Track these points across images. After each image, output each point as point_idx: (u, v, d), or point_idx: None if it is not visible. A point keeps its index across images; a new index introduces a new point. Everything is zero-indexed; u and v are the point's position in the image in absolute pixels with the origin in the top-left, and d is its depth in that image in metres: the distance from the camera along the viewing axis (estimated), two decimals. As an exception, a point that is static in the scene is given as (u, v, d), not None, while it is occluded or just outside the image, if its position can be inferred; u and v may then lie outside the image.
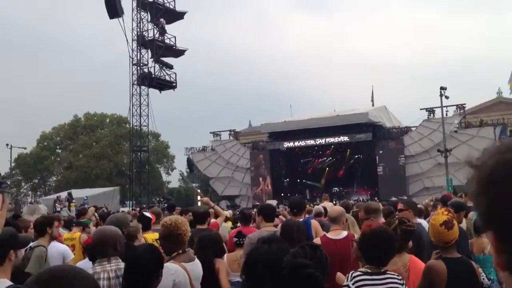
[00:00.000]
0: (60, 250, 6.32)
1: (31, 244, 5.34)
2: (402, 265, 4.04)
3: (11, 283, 3.00)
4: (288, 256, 2.49)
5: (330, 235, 5.16)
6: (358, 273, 3.50)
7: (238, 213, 12.26)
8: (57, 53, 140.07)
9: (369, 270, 3.49)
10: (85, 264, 4.78)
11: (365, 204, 7.14)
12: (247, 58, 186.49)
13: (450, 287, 3.61)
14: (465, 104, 42.66)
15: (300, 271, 2.39)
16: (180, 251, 4.07)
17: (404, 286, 3.50)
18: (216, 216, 8.07)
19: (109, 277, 3.54)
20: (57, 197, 33.60)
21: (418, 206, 9.08)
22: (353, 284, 3.44)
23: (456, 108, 41.42)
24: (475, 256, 5.79)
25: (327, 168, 48.12)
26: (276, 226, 5.89)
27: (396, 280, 3.48)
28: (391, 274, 3.51)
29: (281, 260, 2.48)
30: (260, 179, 47.37)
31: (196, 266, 4.19)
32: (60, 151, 71.30)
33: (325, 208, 8.49)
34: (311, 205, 19.56)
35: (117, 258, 3.70)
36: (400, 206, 6.45)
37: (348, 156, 46.52)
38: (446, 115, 37.03)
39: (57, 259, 6.08)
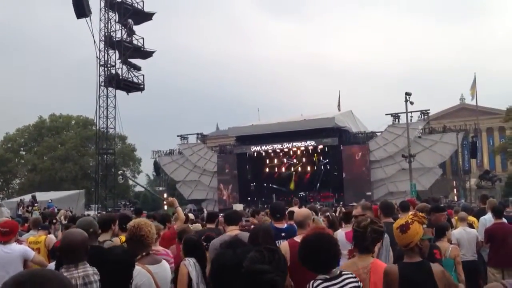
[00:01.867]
0: (19, 251, 6.17)
1: (100, 238, 5.57)
2: (363, 267, 4.07)
3: None
4: (246, 261, 2.44)
5: (297, 238, 5.09)
6: (319, 281, 3.44)
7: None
8: (22, 52, 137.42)
9: (327, 276, 3.45)
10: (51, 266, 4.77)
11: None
12: (215, 61, 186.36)
13: None
14: (429, 110, 43.51)
15: (260, 277, 2.35)
16: (144, 254, 4.08)
17: (359, 283, 3.51)
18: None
19: (77, 284, 3.42)
20: (21, 200, 32.96)
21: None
22: None
23: (420, 114, 42.13)
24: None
25: (294, 173, 48.43)
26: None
27: (352, 280, 3.49)
28: (346, 274, 3.51)
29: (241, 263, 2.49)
30: (222, 185, 47.29)
31: (162, 269, 4.19)
32: (24, 153, 69.89)
33: (292, 212, 8.60)
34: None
35: (84, 264, 3.58)
36: (357, 211, 6.54)
37: (314, 160, 46.89)
38: (411, 120, 37.67)
39: (17, 261, 6.01)
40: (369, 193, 39.54)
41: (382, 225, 4.36)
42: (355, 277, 3.53)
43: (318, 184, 45.95)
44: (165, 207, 42.20)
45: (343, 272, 3.53)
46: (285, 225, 6.37)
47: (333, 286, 3.43)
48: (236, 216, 6.33)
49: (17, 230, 6.45)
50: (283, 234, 6.01)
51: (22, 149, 70.07)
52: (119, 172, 42.06)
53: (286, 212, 7.29)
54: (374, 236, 4.19)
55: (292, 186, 47.76)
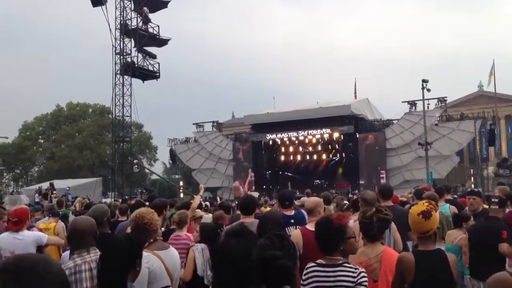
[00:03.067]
0: (31, 237, 6.22)
1: None
2: (374, 256, 4.07)
3: None
4: (256, 248, 2.47)
5: (309, 226, 5.10)
6: (312, 264, 3.49)
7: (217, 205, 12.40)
8: (40, 42, 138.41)
9: (323, 262, 3.46)
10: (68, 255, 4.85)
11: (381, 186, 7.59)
12: (231, 50, 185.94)
13: (418, 279, 3.60)
14: (446, 97, 43.02)
15: (271, 263, 2.37)
16: (151, 240, 4.12)
17: (357, 278, 3.38)
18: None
19: (91, 268, 3.51)
20: (39, 187, 33.35)
21: (400, 198, 9.28)
22: (305, 275, 3.46)
23: (438, 101, 41.68)
24: (445, 245, 5.93)
25: (310, 161, 48.37)
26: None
27: (349, 274, 3.40)
28: (347, 267, 3.45)
29: (249, 253, 2.49)
30: (242, 174, 47.34)
31: (170, 254, 4.22)
32: (42, 141, 70.63)
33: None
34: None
35: (95, 248, 3.67)
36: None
37: (330, 148, 46.76)
38: (428, 108, 37.27)
39: (30, 247, 6.08)
40: (375, 181, 39.26)
41: (389, 213, 4.31)
42: (354, 272, 3.42)
43: (334, 172, 45.84)
44: (181, 195, 42.57)
45: (345, 264, 3.48)
46: (293, 212, 6.44)
47: (323, 273, 3.42)
48: (252, 204, 6.23)
49: (28, 217, 6.50)
50: (292, 221, 6.09)
51: (40, 137, 70.82)
52: (134, 161, 42.23)
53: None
54: (381, 225, 4.18)
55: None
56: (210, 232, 5.91)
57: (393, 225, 5.22)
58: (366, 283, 3.42)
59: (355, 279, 3.38)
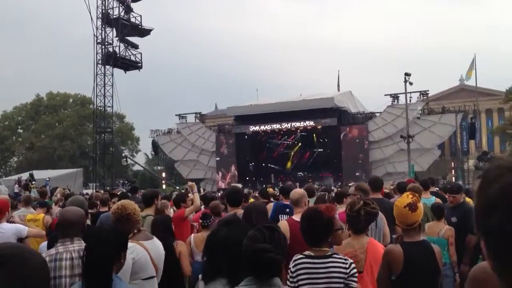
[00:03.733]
0: (11, 229, 6.02)
1: (142, 213, 5.88)
2: (359, 247, 4.06)
3: None
4: (246, 240, 2.49)
5: (295, 217, 5.15)
6: (300, 256, 3.44)
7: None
8: (20, 30, 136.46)
9: (312, 253, 3.43)
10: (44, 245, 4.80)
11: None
12: (214, 40, 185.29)
13: (406, 271, 3.63)
14: (428, 90, 43.44)
15: (260, 255, 2.40)
16: (135, 231, 4.11)
17: (349, 269, 3.36)
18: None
19: (72, 257, 3.52)
20: (18, 178, 32.95)
21: (385, 190, 9.29)
22: (293, 267, 3.40)
23: (420, 95, 42.07)
24: (429, 238, 5.95)
25: (293, 153, 48.50)
26: None
27: (340, 265, 3.37)
28: (337, 258, 3.42)
29: (240, 242, 2.50)
30: (227, 162, 47.37)
31: (155, 245, 4.25)
32: (21, 131, 69.89)
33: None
34: (275, 189, 19.77)
35: (79, 239, 3.69)
36: (350, 190, 6.59)
37: (313, 140, 46.91)
38: (410, 101, 37.59)
39: (11, 240, 5.94)
40: (358, 174, 39.56)
41: (376, 207, 4.30)
42: (345, 263, 3.39)
43: (317, 165, 46.01)
44: (164, 186, 42.43)
45: (335, 255, 3.46)
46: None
47: (313, 264, 3.38)
48: (238, 196, 6.22)
49: (8, 209, 6.36)
50: (287, 209, 6.25)
51: (19, 127, 70.13)
52: (123, 155, 42.23)
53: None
54: (368, 218, 4.18)
55: (289, 165, 47.91)
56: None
57: (383, 218, 5.25)
58: (356, 275, 3.40)
59: (347, 270, 3.35)
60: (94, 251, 3.13)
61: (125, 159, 42.67)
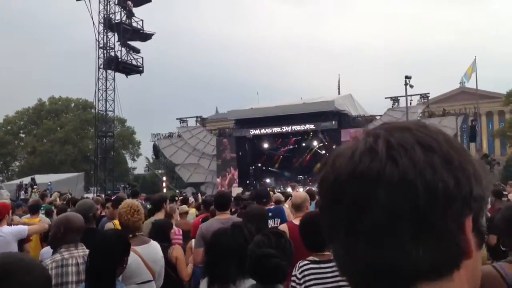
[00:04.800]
0: (11, 232, 6.02)
1: (152, 218, 6.22)
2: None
3: None
4: (252, 245, 2.48)
5: (296, 221, 5.11)
6: (306, 262, 3.45)
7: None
8: (22, 36, 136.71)
9: (316, 259, 3.44)
10: (49, 251, 4.83)
11: None
12: (215, 44, 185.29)
13: None
14: (428, 93, 43.40)
15: (265, 261, 2.38)
16: (131, 236, 4.10)
17: None
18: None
19: (77, 263, 3.53)
20: (20, 182, 33.02)
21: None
22: (300, 273, 3.39)
23: (420, 98, 42.04)
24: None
25: (293, 156, 48.53)
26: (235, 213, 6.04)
27: None
28: None
29: (241, 246, 2.52)
30: (228, 166, 47.37)
31: (150, 249, 4.21)
32: (23, 135, 69.83)
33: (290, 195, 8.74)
34: (278, 191, 19.82)
35: (82, 245, 3.72)
36: None
37: (314, 144, 46.93)
38: (410, 104, 37.52)
39: (11, 243, 5.98)
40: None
41: None
42: None
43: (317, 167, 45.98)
44: (164, 190, 42.43)
45: None
46: (272, 206, 6.58)
47: (320, 269, 3.40)
48: (226, 200, 6.26)
49: (8, 212, 6.39)
50: (270, 214, 6.29)
51: (21, 131, 70.01)
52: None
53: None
54: None
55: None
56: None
57: None
58: None
59: None
60: (99, 256, 3.17)
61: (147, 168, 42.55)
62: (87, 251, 3.64)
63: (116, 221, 6.44)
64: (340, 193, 0.74)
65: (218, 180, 47.08)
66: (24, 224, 7.20)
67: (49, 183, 31.91)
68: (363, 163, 0.72)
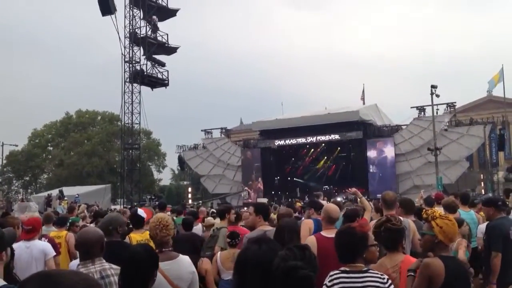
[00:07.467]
0: (40, 248, 6.17)
1: (216, 226, 6.72)
2: (392, 266, 4.02)
3: (4, 282, 3.04)
4: (277, 259, 2.48)
5: (324, 233, 5.06)
6: (336, 271, 3.49)
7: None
8: (49, 51, 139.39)
9: (347, 269, 3.48)
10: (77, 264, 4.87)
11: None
12: (239, 56, 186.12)
13: (447, 284, 3.56)
14: (455, 102, 42.88)
15: (294, 273, 2.40)
16: (157, 251, 3.98)
17: (387, 285, 3.41)
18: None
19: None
20: (48, 194, 33.52)
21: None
22: (329, 282, 3.43)
23: (447, 107, 41.58)
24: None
25: (318, 167, 48.28)
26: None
27: (377, 279, 3.43)
28: (373, 273, 3.48)
29: (270, 261, 2.51)
30: (253, 177, 47.34)
31: (175, 265, 4.06)
32: (51, 148, 70.98)
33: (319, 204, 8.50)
34: (302, 202, 19.74)
35: (100, 259, 3.74)
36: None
37: (339, 154, 46.67)
38: (437, 113, 37.14)
39: (39, 257, 6.06)
40: (385, 187, 39.04)
41: (397, 223, 4.20)
42: (382, 279, 3.45)
43: (342, 178, 45.67)
44: (190, 201, 42.58)
45: (370, 270, 3.51)
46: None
47: (350, 279, 3.42)
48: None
49: (40, 227, 6.48)
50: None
51: (49, 144, 71.17)
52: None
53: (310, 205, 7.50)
54: (388, 235, 4.09)
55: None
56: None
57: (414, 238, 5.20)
58: None
59: (385, 286, 3.41)
60: (131, 272, 3.20)
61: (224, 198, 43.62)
62: (106, 265, 3.70)
63: (136, 235, 6.42)
64: None
65: (250, 190, 46.95)
66: (51, 239, 7.30)
67: (77, 195, 32.34)
68: None
